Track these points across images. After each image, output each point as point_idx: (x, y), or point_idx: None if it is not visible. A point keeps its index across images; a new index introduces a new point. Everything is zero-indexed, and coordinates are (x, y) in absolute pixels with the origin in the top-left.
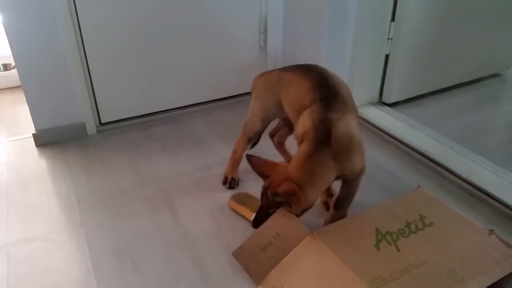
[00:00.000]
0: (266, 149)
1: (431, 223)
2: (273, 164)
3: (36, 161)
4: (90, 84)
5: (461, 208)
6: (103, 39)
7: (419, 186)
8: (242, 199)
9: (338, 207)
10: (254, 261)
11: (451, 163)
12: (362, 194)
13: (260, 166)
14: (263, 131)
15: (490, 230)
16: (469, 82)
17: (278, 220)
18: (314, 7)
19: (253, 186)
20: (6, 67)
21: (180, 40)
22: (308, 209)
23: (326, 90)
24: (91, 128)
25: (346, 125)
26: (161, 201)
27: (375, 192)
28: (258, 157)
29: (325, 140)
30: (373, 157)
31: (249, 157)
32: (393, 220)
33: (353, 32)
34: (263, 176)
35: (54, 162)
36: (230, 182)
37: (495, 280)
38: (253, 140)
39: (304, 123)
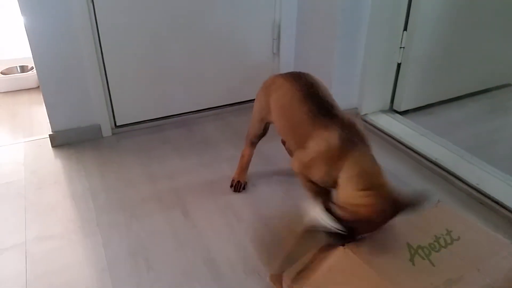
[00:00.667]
0: (271, 154)
1: (458, 237)
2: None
3: (52, 162)
4: (106, 87)
5: (471, 216)
6: (120, 44)
7: (439, 201)
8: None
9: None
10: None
11: (461, 171)
12: None
13: None
14: (263, 134)
15: None
16: (479, 92)
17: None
18: (327, 15)
19: (264, 191)
20: (23, 69)
21: (194, 45)
22: None
23: (319, 102)
24: (107, 130)
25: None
26: (174, 202)
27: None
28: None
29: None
30: (384, 165)
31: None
32: (421, 235)
33: (366, 40)
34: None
35: (70, 163)
36: (236, 186)
37: None
38: (255, 143)
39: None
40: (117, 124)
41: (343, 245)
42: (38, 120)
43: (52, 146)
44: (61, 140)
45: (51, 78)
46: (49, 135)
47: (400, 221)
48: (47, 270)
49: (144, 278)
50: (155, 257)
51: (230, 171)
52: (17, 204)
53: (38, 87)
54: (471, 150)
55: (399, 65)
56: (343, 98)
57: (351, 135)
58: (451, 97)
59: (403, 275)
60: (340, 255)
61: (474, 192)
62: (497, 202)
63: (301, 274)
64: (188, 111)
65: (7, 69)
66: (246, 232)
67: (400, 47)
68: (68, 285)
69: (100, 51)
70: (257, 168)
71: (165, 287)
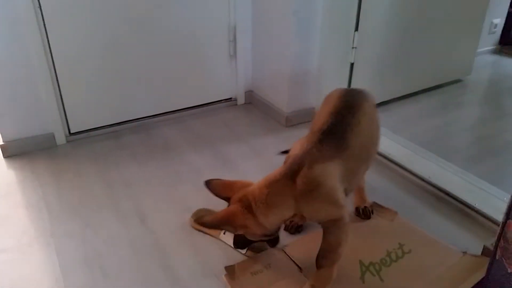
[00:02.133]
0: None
1: (410, 250)
2: (231, 184)
3: (4, 172)
4: (58, 94)
5: (426, 210)
6: (72, 47)
7: (396, 213)
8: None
9: (318, 264)
10: (242, 280)
11: (414, 166)
12: None
13: (219, 189)
14: None
15: (464, 252)
16: (432, 88)
17: (272, 254)
18: (280, 17)
19: None
20: None
21: (150, 49)
22: (268, 235)
23: (335, 123)
24: (61, 138)
25: (322, 171)
26: (131, 209)
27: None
28: (217, 179)
29: (295, 175)
30: None
31: (208, 182)
32: (374, 250)
33: (320, 42)
34: (226, 199)
35: (23, 173)
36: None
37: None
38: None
39: (295, 146)
40: (72, 132)
41: (301, 270)
42: None
43: (4, 157)
44: (13, 150)
45: (0, 87)
46: (0, 145)
47: (354, 238)
48: None
49: (99, 286)
50: (111, 265)
51: (189, 176)
52: None
53: None
54: (424, 145)
55: (352, 65)
56: (300, 98)
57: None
58: (405, 93)
59: None
60: (295, 278)
61: (428, 186)
62: (448, 194)
63: (254, 280)
64: (146, 115)
65: None
66: (203, 237)
67: (353, 47)
68: None
69: (50, 56)
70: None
71: None
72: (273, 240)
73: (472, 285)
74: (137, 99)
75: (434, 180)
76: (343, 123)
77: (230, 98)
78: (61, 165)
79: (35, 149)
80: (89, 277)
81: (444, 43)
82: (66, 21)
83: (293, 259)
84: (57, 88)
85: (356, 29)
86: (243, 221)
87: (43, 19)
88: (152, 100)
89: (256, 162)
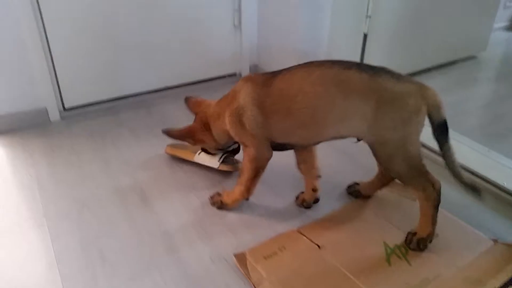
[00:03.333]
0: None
1: (437, 234)
2: (200, 102)
3: None
4: (52, 66)
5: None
6: (65, 18)
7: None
8: (179, 146)
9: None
10: (256, 266)
11: (432, 143)
12: (344, 174)
13: (191, 106)
14: None
15: (494, 240)
16: (446, 64)
17: (286, 235)
18: None
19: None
20: None
21: (149, 18)
22: (221, 148)
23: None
24: (54, 114)
25: (242, 86)
26: (131, 188)
27: (358, 172)
28: (193, 97)
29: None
30: (348, 140)
31: (186, 99)
32: (398, 232)
33: (331, 10)
34: (195, 113)
35: (14, 151)
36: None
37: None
38: None
39: None
40: (66, 107)
41: (318, 247)
42: None
43: None
44: (4, 126)
45: None
46: None
47: (377, 218)
48: None
49: (98, 272)
50: (111, 248)
51: None
52: None
53: None
54: None
55: (365, 36)
56: None
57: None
58: (419, 69)
59: (378, 275)
60: (314, 257)
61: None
62: (473, 173)
63: (268, 264)
64: (145, 90)
65: None
66: (211, 218)
67: (367, 16)
68: (12, 285)
69: (42, 26)
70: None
71: (123, 279)
72: (234, 150)
73: (510, 276)
74: (134, 73)
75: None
76: (292, 68)
77: (234, 74)
78: (55, 142)
79: (27, 126)
80: (86, 261)
81: (460, 16)
82: None
83: (310, 238)
84: (50, 60)
85: None
86: (201, 135)
87: None
88: (151, 74)
89: None
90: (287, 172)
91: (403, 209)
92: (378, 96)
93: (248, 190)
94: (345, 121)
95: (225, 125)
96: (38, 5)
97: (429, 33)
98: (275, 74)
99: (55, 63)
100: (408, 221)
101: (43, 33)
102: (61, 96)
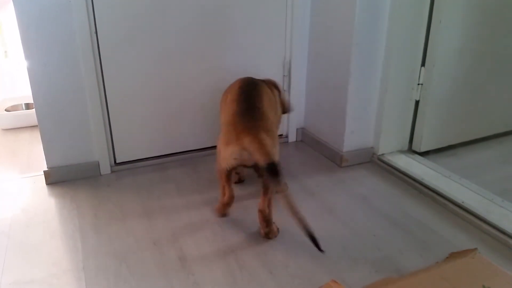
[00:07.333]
0: None
1: None
2: None
3: (44, 199)
4: (107, 122)
5: (507, 267)
6: (124, 78)
7: (476, 249)
8: None
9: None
10: None
11: (492, 217)
12: (397, 248)
13: None
14: None
15: None
16: (504, 133)
17: None
18: (340, 51)
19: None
20: (28, 106)
21: (200, 80)
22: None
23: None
24: (105, 167)
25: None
26: (170, 246)
27: (412, 245)
28: None
29: None
30: (406, 208)
31: None
32: None
33: (381, 77)
34: None
35: (63, 201)
36: None
37: None
38: None
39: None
40: (117, 161)
41: None
42: (37, 157)
43: (47, 183)
44: (56, 177)
45: (49, 112)
46: (44, 171)
47: (425, 270)
48: None
49: None
50: None
51: (234, 213)
52: None
53: None
54: (501, 194)
55: (417, 102)
56: (358, 137)
57: None
58: (475, 137)
59: None
60: None
61: (509, 239)
62: None
63: None
64: (193, 148)
65: (12, 106)
66: (249, 283)
67: (418, 84)
68: None
69: (102, 84)
70: None
71: None
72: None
73: None
74: (184, 132)
75: None
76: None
77: (281, 135)
78: (103, 195)
79: (78, 177)
80: None
81: None
82: (120, 53)
83: None
84: (107, 117)
85: (423, 64)
86: None
87: (98, 45)
88: (199, 133)
89: (308, 203)
90: None
91: (460, 268)
92: None
93: None
94: None
95: None
96: (101, 65)
97: (487, 99)
98: None
99: (111, 120)
100: (466, 281)
101: (103, 93)
102: (113, 150)
